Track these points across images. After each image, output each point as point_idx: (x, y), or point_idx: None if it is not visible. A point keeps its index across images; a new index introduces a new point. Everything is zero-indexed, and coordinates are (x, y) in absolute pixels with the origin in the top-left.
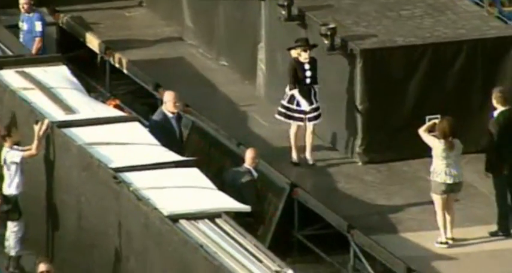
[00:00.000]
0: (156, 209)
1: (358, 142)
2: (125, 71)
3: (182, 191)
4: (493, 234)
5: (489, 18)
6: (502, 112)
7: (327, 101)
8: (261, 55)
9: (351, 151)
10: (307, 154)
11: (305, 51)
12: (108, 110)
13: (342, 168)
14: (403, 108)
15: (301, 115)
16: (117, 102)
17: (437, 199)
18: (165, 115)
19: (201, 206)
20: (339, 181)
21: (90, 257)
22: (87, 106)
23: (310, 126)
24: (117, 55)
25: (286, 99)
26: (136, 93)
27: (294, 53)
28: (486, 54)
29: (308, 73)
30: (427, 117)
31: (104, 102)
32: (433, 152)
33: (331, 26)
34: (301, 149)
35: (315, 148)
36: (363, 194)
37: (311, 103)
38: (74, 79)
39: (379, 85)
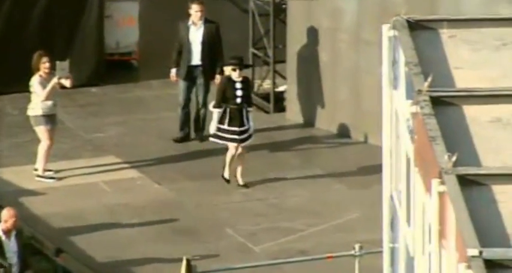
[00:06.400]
0: None
1: None
2: None
3: None
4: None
5: None
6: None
7: None
8: None
9: None
10: (238, 175)
11: (234, 70)
12: None
13: None
14: None
15: (234, 136)
16: None
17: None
18: None
19: None
20: None
21: None
22: None
23: (239, 148)
24: None
25: (216, 119)
26: None
27: (227, 71)
28: None
29: (239, 93)
30: (57, 62)
31: None
32: None
33: None
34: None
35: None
36: None
37: (241, 125)
38: None
39: None
